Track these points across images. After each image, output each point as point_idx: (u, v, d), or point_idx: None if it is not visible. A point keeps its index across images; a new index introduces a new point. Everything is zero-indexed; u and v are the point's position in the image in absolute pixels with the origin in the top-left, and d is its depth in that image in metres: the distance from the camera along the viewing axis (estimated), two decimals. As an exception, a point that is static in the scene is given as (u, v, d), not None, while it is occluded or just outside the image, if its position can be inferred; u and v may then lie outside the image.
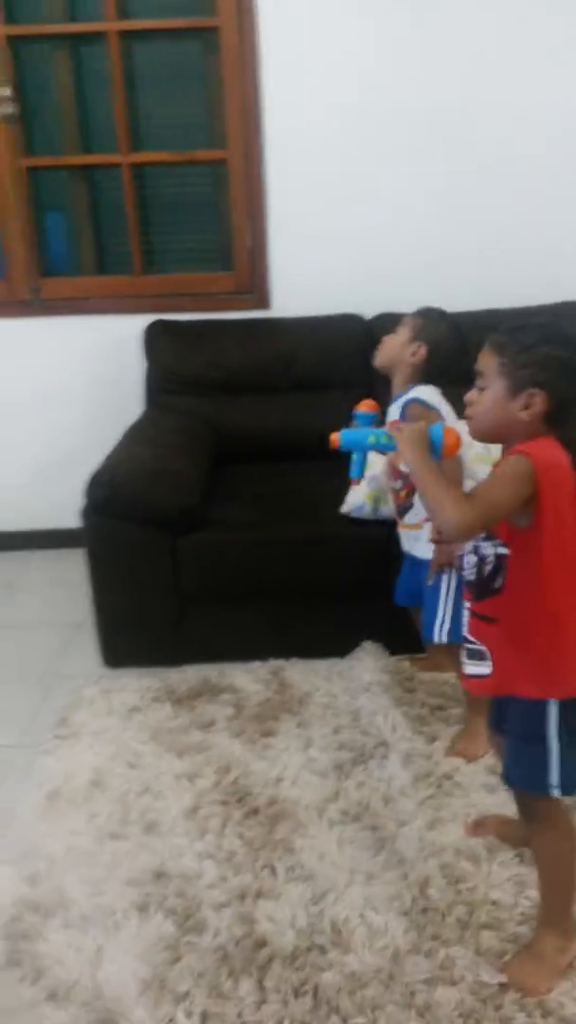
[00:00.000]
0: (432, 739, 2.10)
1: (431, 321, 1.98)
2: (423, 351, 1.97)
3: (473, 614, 1.47)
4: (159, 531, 2.37)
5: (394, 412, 2.00)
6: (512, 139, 2.89)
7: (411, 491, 1.99)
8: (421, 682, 2.32)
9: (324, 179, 2.92)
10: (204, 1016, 1.48)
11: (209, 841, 1.85)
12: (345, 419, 2.90)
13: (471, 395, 1.42)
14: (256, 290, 3.07)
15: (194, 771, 2.05)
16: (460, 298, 2.83)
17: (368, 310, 2.94)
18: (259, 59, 2.80)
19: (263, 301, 3.07)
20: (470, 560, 1.45)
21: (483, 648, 1.45)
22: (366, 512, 2.35)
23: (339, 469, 2.65)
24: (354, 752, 2.08)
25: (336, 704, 2.26)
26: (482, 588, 1.43)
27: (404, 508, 2.05)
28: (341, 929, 1.62)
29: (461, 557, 1.58)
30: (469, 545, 1.45)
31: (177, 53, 2.91)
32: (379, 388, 2.85)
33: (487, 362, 1.37)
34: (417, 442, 1.41)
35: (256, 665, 2.45)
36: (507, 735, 1.49)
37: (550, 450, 1.33)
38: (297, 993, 1.50)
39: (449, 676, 2.32)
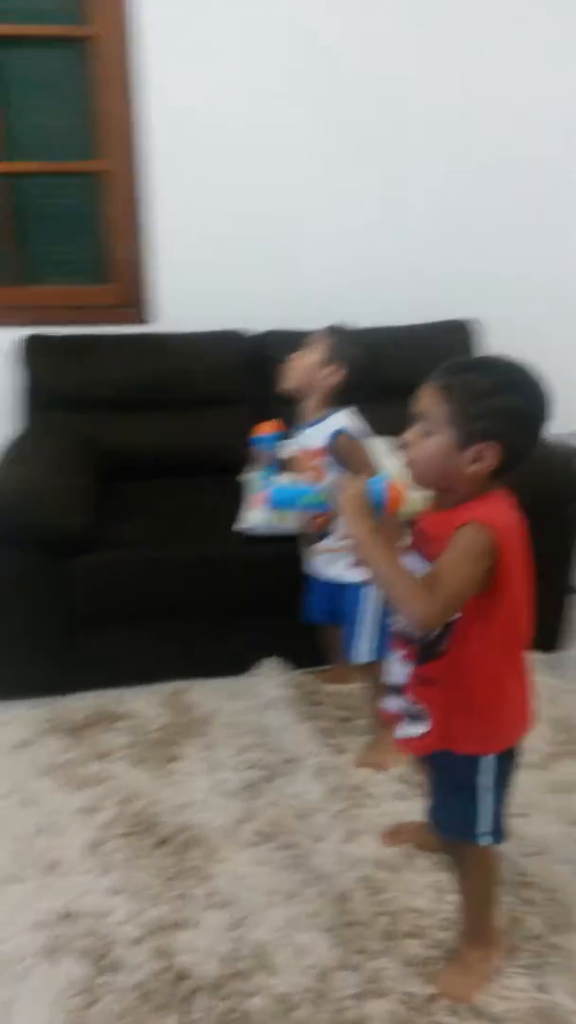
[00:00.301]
0: (341, 751, 2.10)
1: (344, 340, 1.92)
2: (340, 373, 1.91)
3: (417, 677, 1.41)
4: (48, 554, 2.25)
5: (313, 438, 1.96)
6: (406, 167, 2.98)
7: (331, 518, 1.95)
8: (326, 695, 2.31)
9: (207, 194, 2.90)
10: (128, 1060, 1.39)
11: (117, 876, 1.76)
12: (233, 437, 2.91)
13: (412, 437, 1.32)
14: (137, 304, 3.01)
15: (94, 804, 1.95)
16: (344, 315, 2.91)
17: (252, 326, 2.94)
18: (136, 71, 2.75)
19: (144, 315, 3.01)
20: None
21: (422, 710, 1.41)
22: (262, 529, 2.33)
23: (229, 485, 2.65)
24: (263, 770, 2.04)
25: (241, 723, 2.21)
26: (427, 652, 1.37)
27: (322, 534, 2.02)
28: (265, 952, 1.57)
29: None
30: None
31: (54, 61, 2.82)
32: (271, 405, 2.88)
33: (434, 407, 1.27)
34: (361, 513, 1.33)
35: (155, 688, 2.36)
36: (435, 783, 1.47)
37: (505, 512, 1.29)
38: (225, 1023, 1.45)
39: (353, 688, 2.33)
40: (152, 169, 2.86)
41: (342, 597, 2.03)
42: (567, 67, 2.96)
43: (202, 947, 1.59)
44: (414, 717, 1.42)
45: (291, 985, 1.51)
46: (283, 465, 2.10)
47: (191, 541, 2.40)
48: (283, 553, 2.27)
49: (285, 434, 2.05)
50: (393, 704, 1.49)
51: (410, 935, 1.59)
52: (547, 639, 2.55)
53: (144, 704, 2.29)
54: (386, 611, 1.97)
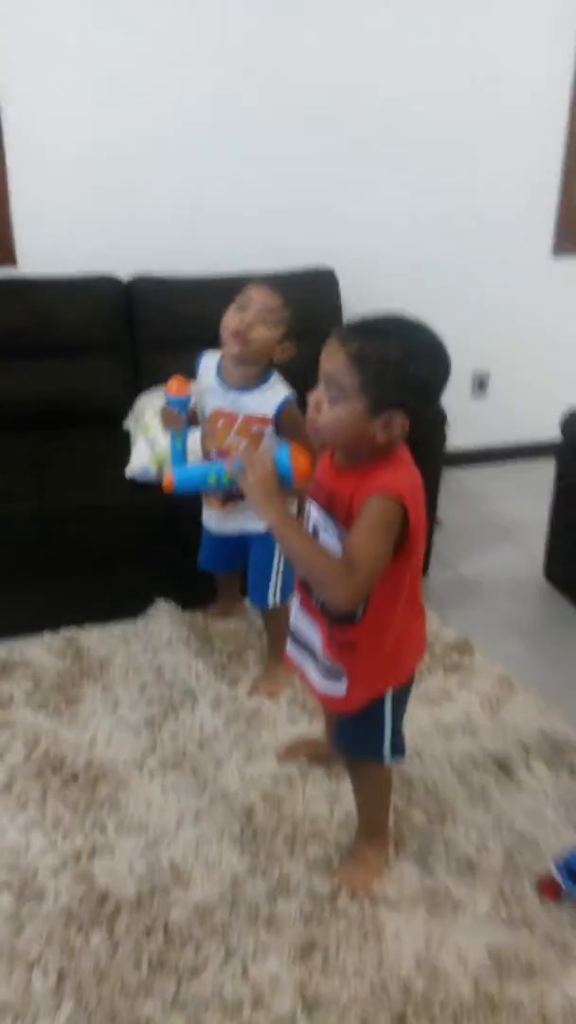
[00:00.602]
0: (235, 683, 2.24)
1: (297, 318, 1.92)
2: (293, 350, 1.92)
3: (331, 638, 1.46)
4: None
5: (255, 404, 1.95)
6: (271, 104, 3.00)
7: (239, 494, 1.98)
8: (216, 632, 2.43)
9: (71, 131, 2.83)
10: (61, 974, 1.50)
11: (31, 813, 1.83)
12: (109, 384, 2.91)
13: (318, 399, 1.31)
14: (0, 244, 2.92)
15: (1, 749, 2.00)
16: (211, 260, 2.95)
17: (121, 270, 2.92)
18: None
19: (8, 256, 2.92)
20: None
21: (340, 668, 1.47)
22: (151, 475, 2.38)
23: (111, 434, 2.68)
24: (163, 706, 2.15)
25: (138, 664, 2.30)
26: (341, 616, 1.41)
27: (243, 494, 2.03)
28: (179, 868, 1.71)
29: None
30: None
31: None
32: (143, 352, 2.90)
33: (345, 375, 1.26)
34: (271, 495, 1.31)
35: (48, 637, 2.40)
36: (340, 714, 1.59)
37: (409, 475, 1.32)
38: (149, 933, 1.58)
39: (239, 625, 2.47)
40: (10, 104, 2.75)
41: (247, 547, 2.12)
42: (411, 25, 3.05)
43: (120, 870, 1.70)
44: (328, 674, 1.50)
45: (207, 895, 1.65)
46: (192, 421, 2.05)
47: (74, 490, 2.43)
48: (169, 498, 2.34)
49: (191, 397, 2.00)
50: (293, 652, 1.61)
51: (310, 839, 1.77)
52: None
53: (40, 652, 2.34)
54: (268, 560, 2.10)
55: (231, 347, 1.91)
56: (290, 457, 1.39)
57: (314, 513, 1.45)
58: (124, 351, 2.91)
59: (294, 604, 1.59)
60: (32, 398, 2.78)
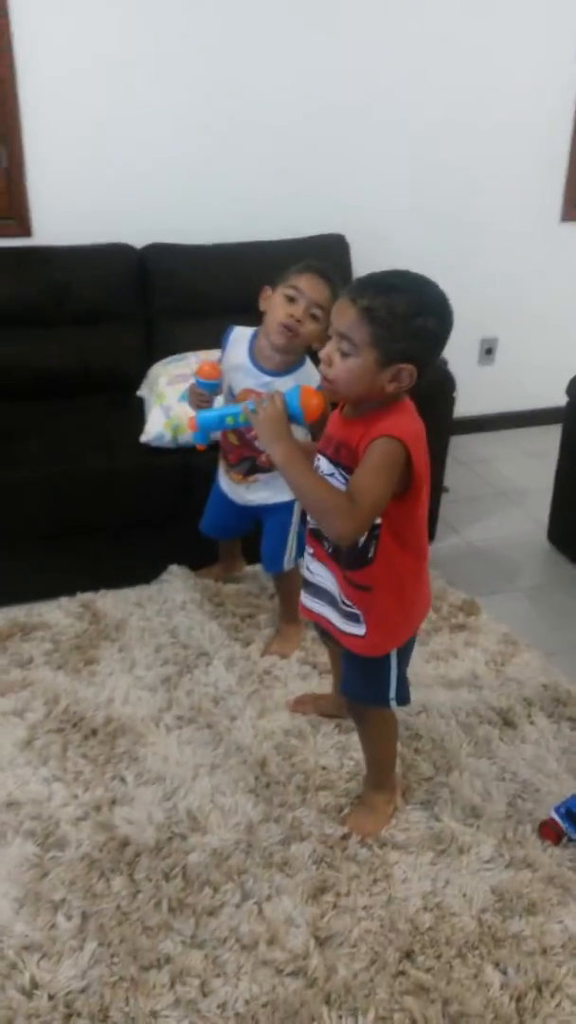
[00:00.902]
0: (248, 643, 2.30)
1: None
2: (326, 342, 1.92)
3: (348, 581, 1.52)
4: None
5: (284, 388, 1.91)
6: (288, 81, 3.00)
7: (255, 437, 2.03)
8: (228, 596, 2.49)
9: (86, 100, 2.84)
10: (84, 916, 1.58)
11: (53, 766, 1.91)
12: (126, 352, 2.96)
13: (330, 354, 1.35)
14: (16, 215, 2.94)
15: (22, 707, 2.08)
16: (225, 230, 2.98)
17: (135, 240, 2.94)
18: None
19: (24, 227, 2.95)
20: None
21: (358, 611, 1.54)
22: (166, 441, 2.43)
23: (126, 401, 2.72)
24: (178, 665, 2.22)
25: (152, 626, 2.37)
26: (354, 560, 1.47)
27: (266, 468, 2.06)
28: (197, 816, 1.78)
29: None
30: None
31: None
32: (156, 320, 2.93)
33: (355, 329, 1.30)
34: (279, 432, 1.36)
35: (65, 601, 2.47)
36: (349, 663, 1.65)
37: (413, 423, 1.37)
38: (168, 877, 1.65)
39: (251, 587, 2.53)
40: (25, 73, 2.77)
41: (256, 518, 2.18)
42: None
43: (139, 819, 1.78)
44: (348, 617, 1.56)
45: (223, 840, 1.73)
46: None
47: (90, 456, 2.47)
48: (183, 463, 2.40)
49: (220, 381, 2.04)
50: (309, 602, 1.67)
51: (321, 788, 1.85)
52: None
53: (58, 615, 2.40)
54: (303, 521, 2.15)
55: (276, 338, 1.90)
56: (299, 396, 1.45)
57: (323, 465, 1.50)
58: (138, 319, 2.94)
59: (306, 557, 1.64)
60: (48, 366, 2.81)
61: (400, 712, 2.00)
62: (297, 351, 1.96)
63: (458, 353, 3.60)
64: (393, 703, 1.64)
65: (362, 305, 1.31)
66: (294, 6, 2.93)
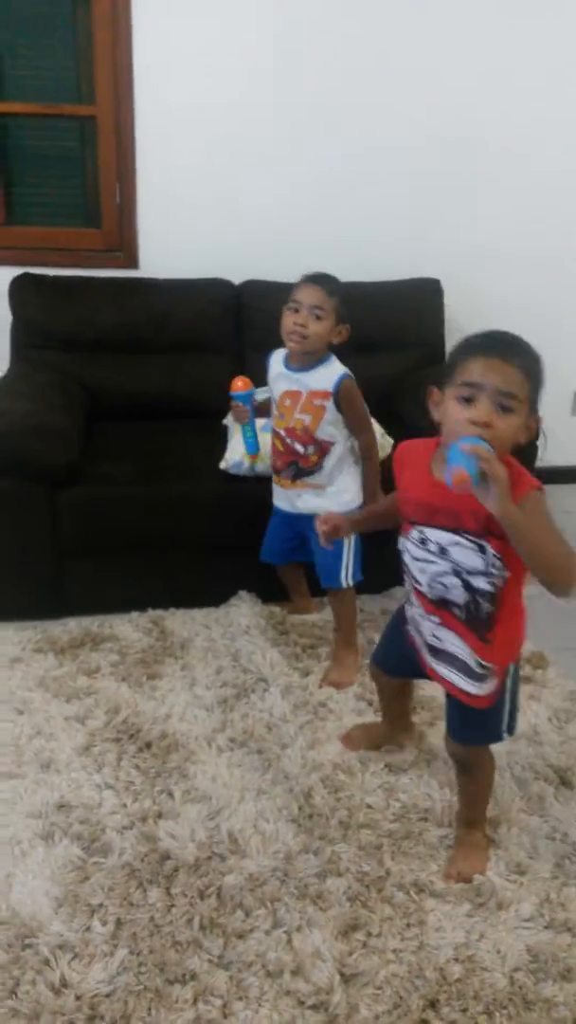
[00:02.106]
0: (306, 673, 2.32)
1: (343, 299, 2.10)
2: (347, 332, 2.11)
3: (484, 641, 1.53)
4: (38, 485, 2.41)
5: (315, 380, 2.13)
6: (391, 122, 3.10)
7: (323, 454, 2.16)
8: (292, 625, 2.52)
9: (195, 143, 3.00)
10: (118, 923, 1.61)
11: (106, 773, 1.96)
12: (216, 382, 3.06)
13: (488, 415, 1.34)
14: (125, 249, 3.12)
15: (84, 713, 2.15)
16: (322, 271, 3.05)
17: (233, 276, 3.06)
18: (132, 15, 2.82)
19: (132, 260, 3.12)
20: (456, 591, 1.51)
21: (492, 666, 1.56)
22: (244, 469, 2.50)
23: (211, 428, 2.81)
24: (236, 688, 2.25)
25: (216, 647, 2.42)
26: (491, 620, 1.51)
27: (311, 470, 2.19)
28: (238, 838, 1.79)
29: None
30: (446, 575, 1.49)
31: (46, 2, 2.87)
32: (246, 352, 3.03)
33: (518, 387, 1.34)
34: (508, 495, 1.32)
35: (136, 615, 2.55)
36: (456, 706, 1.65)
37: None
38: (203, 896, 1.67)
39: (316, 618, 2.55)
40: (143, 117, 2.94)
41: (306, 537, 2.24)
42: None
43: (182, 834, 1.80)
44: (481, 678, 1.57)
45: (260, 866, 1.74)
46: (258, 411, 2.30)
47: (173, 478, 2.57)
48: (260, 493, 2.45)
49: (254, 391, 2.26)
50: (435, 665, 1.64)
51: (364, 826, 1.83)
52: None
53: (127, 629, 2.48)
54: (360, 539, 2.23)
55: (292, 346, 2.13)
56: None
57: (433, 535, 1.49)
58: (230, 351, 3.05)
59: (429, 623, 1.60)
60: (143, 390, 2.97)
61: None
62: (316, 350, 2.13)
63: (550, 402, 3.58)
64: (506, 735, 1.66)
65: (520, 364, 1.36)
66: (399, 60, 3.02)
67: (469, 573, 1.48)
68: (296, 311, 2.08)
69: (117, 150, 3.00)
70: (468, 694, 1.59)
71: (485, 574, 1.47)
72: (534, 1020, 1.44)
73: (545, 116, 3.18)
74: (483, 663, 1.56)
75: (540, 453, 2.83)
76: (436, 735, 2.09)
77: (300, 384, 2.15)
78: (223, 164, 3.04)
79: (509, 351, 1.36)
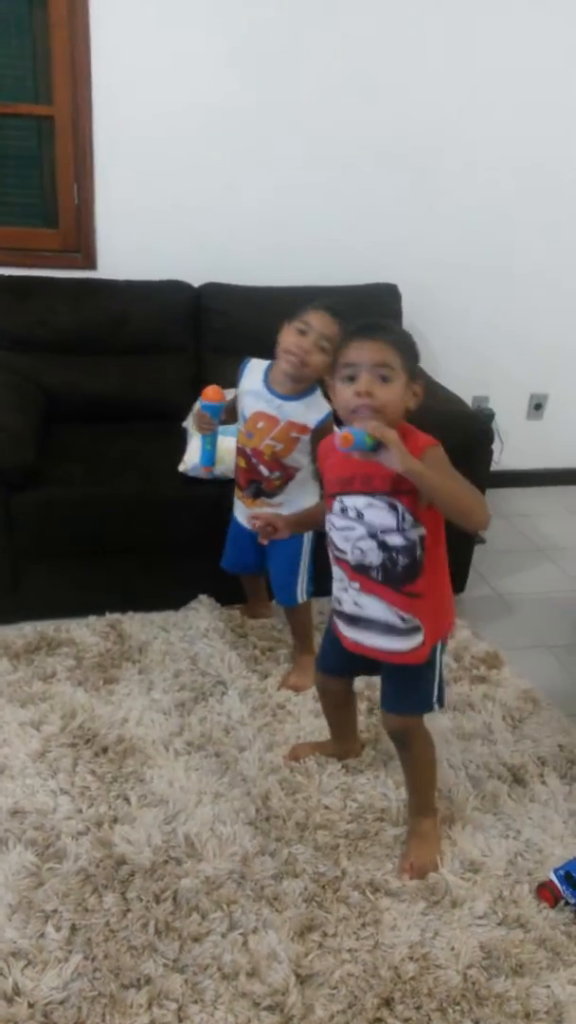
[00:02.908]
0: (265, 676, 2.32)
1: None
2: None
3: (406, 595, 1.59)
4: (-8, 487, 2.38)
5: (298, 413, 2.04)
6: (352, 131, 3.10)
7: (286, 482, 2.11)
8: (251, 628, 2.52)
9: (154, 145, 2.98)
10: (73, 928, 1.60)
11: (62, 779, 1.94)
12: (174, 384, 3.05)
13: (367, 386, 1.48)
14: (83, 249, 3.09)
15: (39, 719, 2.12)
16: (281, 275, 3.07)
17: (192, 278, 3.05)
18: (89, 17, 2.80)
19: (90, 261, 3.09)
20: (372, 553, 1.58)
21: (416, 620, 1.62)
22: (201, 472, 2.48)
23: (169, 431, 2.80)
24: (194, 692, 2.25)
25: (174, 651, 2.41)
26: (410, 572, 1.57)
27: (271, 493, 2.14)
28: (194, 842, 1.79)
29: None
30: (363, 539, 1.58)
31: (2, 3, 2.83)
32: (205, 355, 3.02)
33: (390, 356, 1.49)
34: (407, 452, 1.44)
35: (93, 619, 2.53)
36: (387, 676, 1.72)
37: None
38: (159, 899, 1.66)
39: (275, 621, 2.56)
40: (101, 118, 2.92)
41: (277, 549, 2.20)
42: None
43: (138, 839, 1.79)
44: (407, 633, 1.63)
45: (217, 869, 1.73)
46: (226, 421, 2.19)
47: (131, 480, 2.55)
48: (219, 496, 2.45)
49: (224, 403, 2.15)
50: (355, 634, 1.68)
51: (321, 827, 1.84)
52: (455, 582, 2.80)
53: (84, 633, 2.46)
54: (313, 557, 2.19)
55: (287, 367, 2.01)
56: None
57: (350, 501, 1.59)
58: (189, 354, 3.04)
59: (351, 592, 1.65)
60: (100, 392, 2.93)
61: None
62: (307, 379, 2.04)
63: (507, 407, 3.65)
64: (436, 705, 1.71)
65: (389, 339, 1.52)
66: (363, 69, 3.04)
67: (383, 532, 1.57)
68: (304, 334, 1.97)
69: (75, 150, 2.97)
70: (394, 652, 1.65)
71: (398, 530, 1.56)
72: (487, 1016, 1.46)
73: (501, 133, 3.22)
74: (404, 615, 1.61)
75: (496, 457, 2.89)
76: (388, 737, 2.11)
77: (280, 412, 2.06)
78: (183, 166, 3.03)
79: (376, 331, 1.53)
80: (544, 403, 3.68)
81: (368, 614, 1.65)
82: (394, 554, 1.57)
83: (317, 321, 1.96)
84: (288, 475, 2.11)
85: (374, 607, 1.63)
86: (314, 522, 1.83)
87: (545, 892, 1.67)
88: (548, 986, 1.50)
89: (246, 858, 1.76)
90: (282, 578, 2.24)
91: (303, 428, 2.06)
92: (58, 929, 1.59)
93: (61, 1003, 1.46)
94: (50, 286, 2.93)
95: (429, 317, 3.30)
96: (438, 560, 1.62)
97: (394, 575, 1.59)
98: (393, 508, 1.55)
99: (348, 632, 1.71)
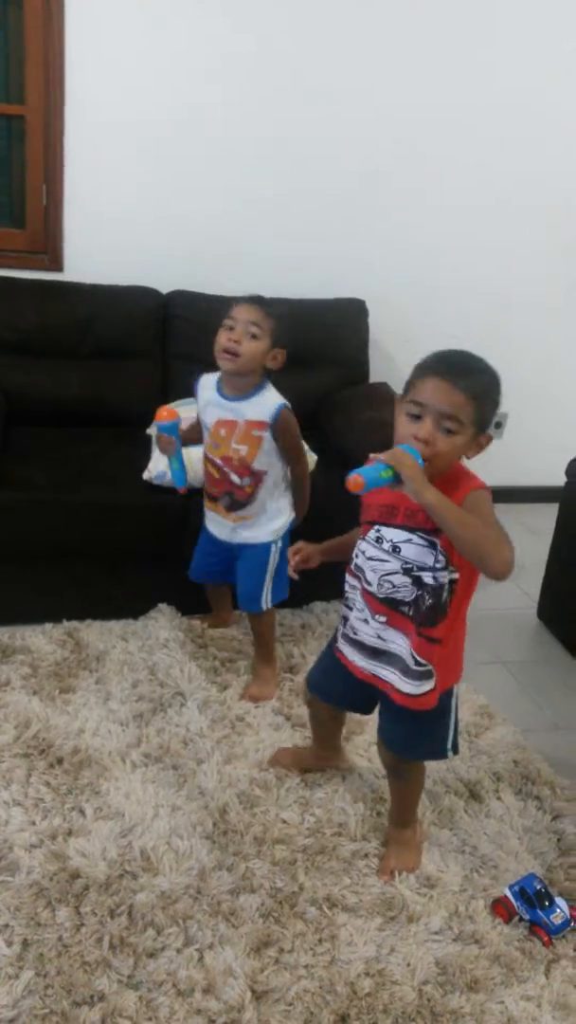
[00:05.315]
0: (224, 687, 2.31)
1: (280, 322, 2.05)
2: (282, 357, 2.05)
3: (423, 638, 1.56)
4: (-49, 490, 2.33)
5: (251, 410, 2.06)
6: (323, 146, 3.12)
7: (256, 487, 2.11)
8: (212, 639, 2.50)
9: (126, 149, 2.96)
10: (25, 944, 1.57)
11: (15, 790, 1.91)
12: (140, 390, 3.03)
13: (432, 434, 1.42)
14: (49, 251, 3.05)
15: (-8, 728, 2.09)
16: (249, 285, 3.06)
17: (159, 285, 3.04)
18: (65, 18, 2.78)
19: (56, 263, 3.05)
20: (405, 589, 1.55)
21: (431, 667, 1.59)
22: (167, 480, 2.47)
23: (134, 437, 2.78)
24: (152, 703, 2.22)
25: (133, 660, 2.38)
26: (435, 614, 1.54)
27: (244, 502, 2.14)
28: (150, 856, 1.77)
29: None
30: (395, 574, 1.54)
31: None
32: (171, 362, 3.01)
33: (462, 410, 1.42)
34: (426, 481, 1.39)
35: (50, 627, 2.49)
36: (398, 719, 1.69)
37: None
38: (113, 914, 1.64)
39: (235, 632, 2.55)
40: (73, 120, 2.90)
41: (244, 556, 2.21)
42: (454, 74, 3.15)
43: (93, 852, 1.77)
44: (420, 677, 1.59)
45: (173, 883, 1.71)
46: (186, 438, 2.19)
47: (94, 486, 2.52)
48: (182, 504, 2.43)
49: (179, 421, 2.14)
50: (371, 666, 1.66)
51: (279, 841, 1.83)
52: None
53: (40, 640, 2.42)
54: (282, 564, 2.17)
55: (224, 364, 2.04)
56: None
57: (389, 533, 1.56)
58: (155, 360, 3.02)
59: (373, 624, 1.63)
60: (65, 397, 2.88)
61: (368, 776, 2.01)
62: (252, 372, 2.06)
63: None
64: (451, 752, 1.69)
65: (466, 388, 1.43)
66: (336, 80, 3.07)
67: (419, 569, 1.52)
68: (231, 328, 2.01)
69: (45, 151, 2.94)
70: (406, 694, 1.61)
71: (432, 569, 1.51)
72: (441, 1032, 1.46)
73: (471, 150, 3.28)
74: (419, 659, 1.58)
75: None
76: (351, 749, 2.11)
77: (236, 413, 2.08)
78: (153, 171, 3.02)
79: (458, 374, 1.44)
80: (504, 422, 3.74)
81: (392, 649, 1.62)
82: (424, 593, 1.53)
83: (240, 312, 2.01)
84: (258, 480, 2.12)
85: (397, 643, 1.61)
86: (346, 550, 1.72)
87: (500, 908, 1.69)
88: (502, 1002, 1.52)
89: (203, 872, 1.74)
90: (250, 584, 2.23)
91: (260, 424, 2.07)
92: (9, 944, 1.56)
93: (11, 1021, 1.43)
94: (15, 287, 2.89)
95: (395, 333, 3.33)
96: (462, 608, 1.58)
97: (422, 613, 1.55)
98: (432, 546, 1.50)
99: (363, 663, 1.68)
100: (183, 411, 2.64)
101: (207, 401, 2.14)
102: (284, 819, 1.90)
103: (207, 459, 2.17)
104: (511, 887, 1.69)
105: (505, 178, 3.35)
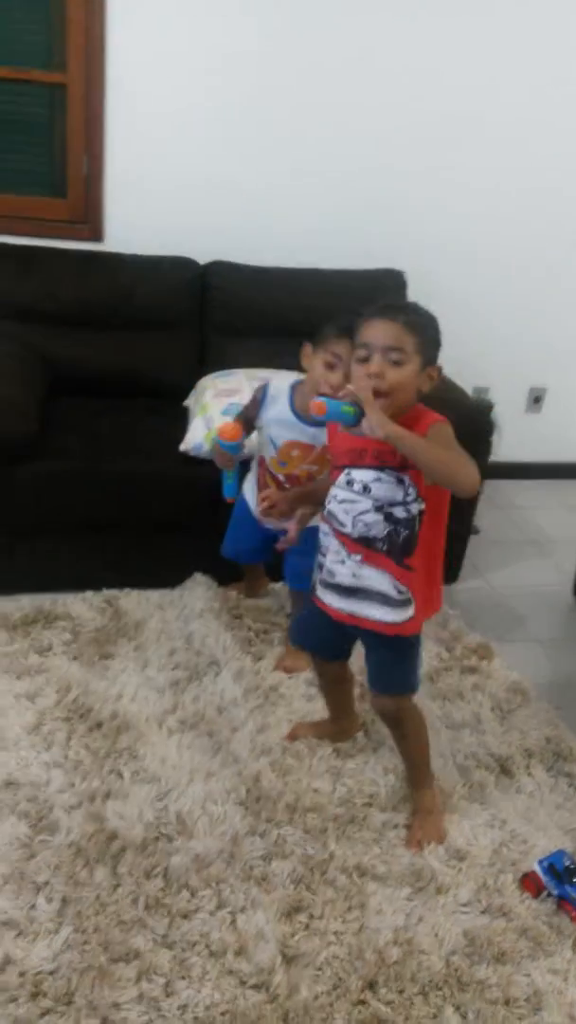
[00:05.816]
0: (259, 658, 2.34)
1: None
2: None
3: (403, 567, 1.65)
4: (-8, 459, 2.37)
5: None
6: (363, 116, 3.07)
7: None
8: (247, 609, 2.53)
9: (167, 120, 2.95)
10: (64, 901, 1.62)
11: (56, 752, 1.96)
12: (178, 361, 3.03)
13: (378, 368, 1.52)
14: (90, 221, 3.06)
15: (34, 691, 2.14)
16: (288, 256, 3.05)
17: (198, 255, 3.03)
18: (107, -14, 2.76)
19: (96, 233, 3.06)
20: (377, 526, 1.62)
21: (410, 592, 1.67)
22: (204, 452, 2.49)
23: (172, 408, 2.80)
24: (188, 671, 2.27)
25: (170, 629, 2.42)
26: (409, 544, 1.63)
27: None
28: (185, 820, 1.82)
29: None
30: (367, 512, 1.62)
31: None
32: (209, 333, 3.01)
33: (403, 339, 1.52)
34: (386, 418, 1.49)
35: (90, 595, 2.54)
36: (381, 653, 1.76)
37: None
38: (149, 875, 1.69)
39: (270, 603, 2.57)
40: (114, 89, 2.89)
41: (267, 538, 2.19)
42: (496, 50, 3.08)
43: (130, 815, 1.82)
44: (401, 605, 1.68)
45: (207, 847, 1.76)
46: (245, 466, 2.21)
47: (131, 456, 2.55)
48: (218, 476, 2.44)
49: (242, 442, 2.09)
50: (349, 606, 1.72)
51: (310, 810, 1.87)
52: (448, 572, 2.83)
53: (81, 608, 2.47)
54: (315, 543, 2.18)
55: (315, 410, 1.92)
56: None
57: (359, 475, 1.63)
58: (193, 332, 3.03)
59: (349, 563, 1.69)
60: (102, 367, 2.91)
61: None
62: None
63: (506, 399, 3.65)
64: (415, 687, 1.77)
65: (403, 321, 1.54)
66: (379, 52, 3.01)
67: (390, 505, 1.61)
68: (333, 368, 1.87)
69: (86, 120, 2.93)
70: (388, 623, 1.69)
71: (403, 504, 1.60)
72: (467, 1001, 1.50)
73: (522, 116, 3.20)
74: (400, 587, 1.66)
75: (494, 449, 2.90)
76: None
77: (316, 440, 1.99)
78: (194, 142, 3.00)
79: (392, 312, 1.56)
80: (543, 396, 3.69)
81: (368, 585, 1.69)
82: (398, 526, 1.62)
83: (345, 351, 1.78)
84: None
85: (376, 578, 1.68)
86: (317, 497, 1.81)
87: (528, 883, 1.71)
88: (528, 975, 1.55)
89: (236, 838, 1.79)
90: (296, 562, 2.18)
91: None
92: (49, 901, 1.62)
93: (51, 973, 1.49)
94: (56, 257, 2.91)
95: (433, 304, 3.26)
96: (433, 539, 1.67)
97: (397, 547, 1.64)
98: (400, 482, 1.59)
99: (340, 604, 1.74)
100: (221, 383, 2.66)
101: (278, 419, 2.05)
102: (316, 788, 1.93)
103: (269, 473, 2.12)
104: (540, 862, 1.71)
105: (549, 148, 3.27)
